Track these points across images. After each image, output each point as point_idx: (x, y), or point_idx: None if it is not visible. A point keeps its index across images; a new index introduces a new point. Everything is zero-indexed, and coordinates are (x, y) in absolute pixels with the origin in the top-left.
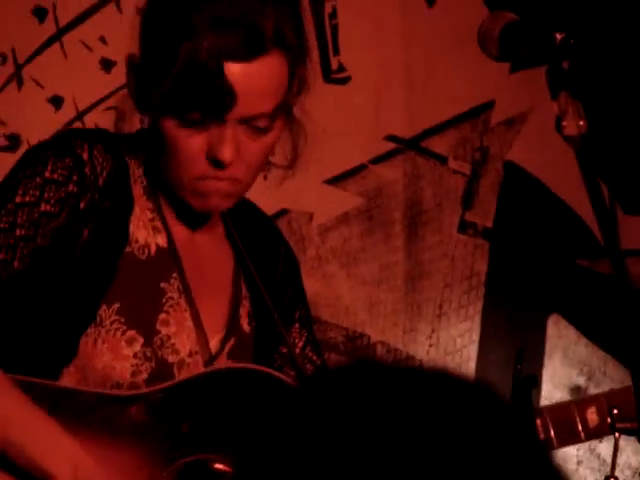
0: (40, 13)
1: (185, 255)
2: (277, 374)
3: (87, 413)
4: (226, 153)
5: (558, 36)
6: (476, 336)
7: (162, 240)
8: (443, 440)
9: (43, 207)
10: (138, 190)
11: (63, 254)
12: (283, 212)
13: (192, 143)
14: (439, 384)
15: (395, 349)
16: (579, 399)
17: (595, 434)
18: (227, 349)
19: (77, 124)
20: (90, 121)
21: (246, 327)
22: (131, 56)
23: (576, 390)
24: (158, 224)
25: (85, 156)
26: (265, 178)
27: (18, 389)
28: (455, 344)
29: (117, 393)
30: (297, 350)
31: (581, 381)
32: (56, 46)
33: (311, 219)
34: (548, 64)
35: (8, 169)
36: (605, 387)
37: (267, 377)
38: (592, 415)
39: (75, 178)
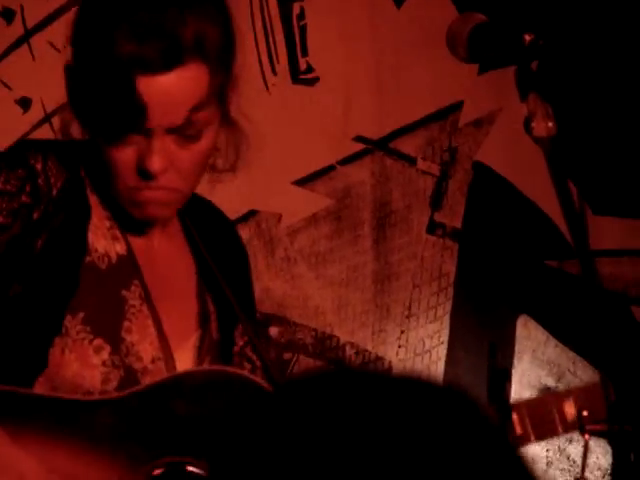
0: (8, 15)
1: (144, 262)
2: (251, 377)
3: (57, 419)
4: (154, 164)
5: (527, 37)
6: (445, 337)
7: (121, 248)
8: (419, 446)
9: None
10: (95, 199)
11: (17, 264)
12: (252, 213)
13: (123, 156)
14: (412, 390)
15: (364, 350)
16: (556, 392)
17: (573, 427)
18: (205, 364)
19: (45, 125)
20: (58, 123)
21: (215, 339)
22: (67, 67)
23: (545, 391)
24: (116, 232)
25: (38, 167)
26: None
27: None
28: (424, 345)
29: (88, 398)
30: (237, 349)
31: (550, 382)
32: (24, 48)
33: (280, 220)
34: (517, 65)
35: None
36: None
37: (240, 380)
38: (570, 408)
39: (28, 189)
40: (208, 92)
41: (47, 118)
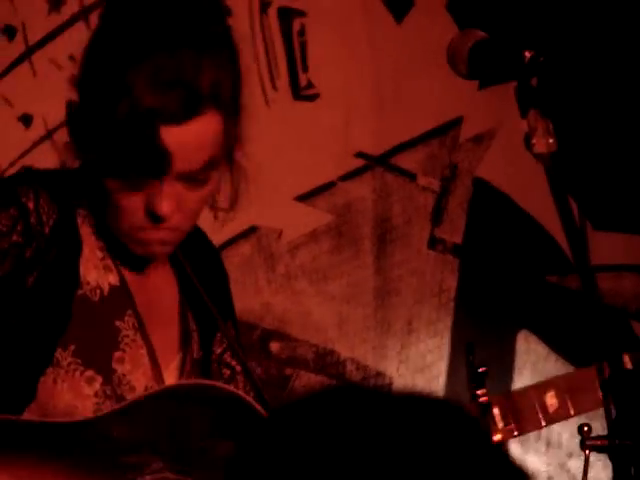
0: (9, 31)
1: (137, 290)
2: (233, 390)
3: (42, 443)
4: (164, 209)
5: (527, 54)
6: (446, 352)
7: (114, 279)
8: (419, 464)
9: None
10: (86, 230)
11: (8, 302)
12: (252, 229)
13: (132, 199)
14: (411, 407)
15: (365, 366)
16: (537, 384)
17: (555, 418)
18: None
19: (47, 142)
20: (60, 139)
21: (196, 357)
22: (70, 104)
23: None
24: (109, 262)
25: (31, 205)
26: (215, 218)
27: None
28: (425, 360)
29: (69, 420)
30: (214, 357)
31: None
32: (26, 64)
33: (280, 236)
34: (517, 82)
35: None
36: None
37: (223, 394)
38: (551, 399)
39: (19, 228)
40: (223, 140)
41: (49, 134)
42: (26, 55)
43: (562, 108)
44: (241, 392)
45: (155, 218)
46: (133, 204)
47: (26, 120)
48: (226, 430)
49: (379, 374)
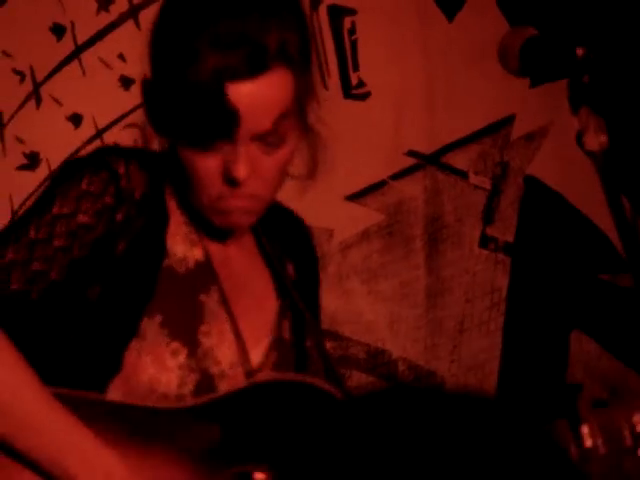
0: (58, 31)
1: (221, 268)
2: (325, 385)
3: (133, 426)
4: (240, 171)
5: (579, 51)
6: (498, 352)
7: (199, 253)
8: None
9: (80, 219)
10: (173, 204)
11: (101, 265)
12: None
13: (208, 165)
14: (466, 406)
15: (416, 365)
16: (626, 403)
17: None
18: (272, 360)
19: (96, 142)
20: (110, 139)
21: (287, 341)
22: (144, 80)
23: (599, 406)
24: (194, 237)
25: (121, 170)
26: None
27: (54, 399)
28: (477, 359)
29: (162, 406)
30: (307, 348)
31: (604, 396)
32: (75, 64)
33: (332, 235)
34: (569, 79)
35: (28, 187)
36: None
37: (313, 388)
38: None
39: (111, 190)
40: (294, 98)
41: (99, 134)
42: (75, 54)
43: (614, 105)
44: (334, 389)
45: (232, 182)
46: (210, 171)
47: (76, 120)
48: (313, 427)
49: (431, 373)
